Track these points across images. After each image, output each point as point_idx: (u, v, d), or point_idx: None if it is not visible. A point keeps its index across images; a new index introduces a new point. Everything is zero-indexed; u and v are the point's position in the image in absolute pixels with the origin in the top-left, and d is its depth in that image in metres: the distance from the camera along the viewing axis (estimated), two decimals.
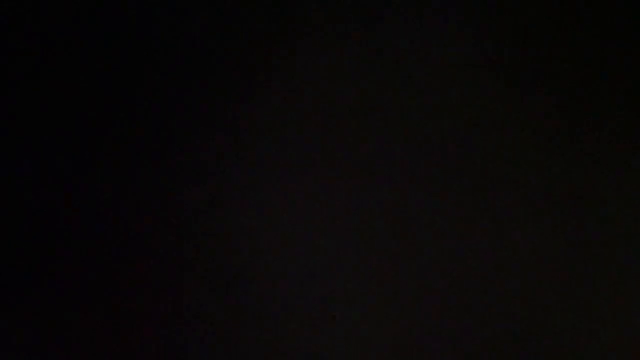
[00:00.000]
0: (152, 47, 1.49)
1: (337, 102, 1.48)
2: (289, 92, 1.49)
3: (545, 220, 1.46)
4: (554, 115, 1.48)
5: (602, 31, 1.48)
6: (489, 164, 1.47)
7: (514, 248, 1.46)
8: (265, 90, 1.49)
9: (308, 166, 1.48)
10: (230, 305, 1.47)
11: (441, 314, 1.46)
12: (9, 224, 1.47)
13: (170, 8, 1.49)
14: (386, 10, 1.49)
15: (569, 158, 1.47)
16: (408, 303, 1.46)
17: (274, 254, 1.47)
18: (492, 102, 1.48)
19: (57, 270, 1.47)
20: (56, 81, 1.49)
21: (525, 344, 1.45)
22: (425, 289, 1.46)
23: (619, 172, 1.47)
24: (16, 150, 1.48)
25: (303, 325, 1.46)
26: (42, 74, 1.49)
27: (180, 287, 1.47)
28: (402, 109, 1.48)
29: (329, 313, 1.46)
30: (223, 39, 1.49)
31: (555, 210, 1.46)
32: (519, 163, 1.47)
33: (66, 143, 1.48)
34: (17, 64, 1.49)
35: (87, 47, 1.49)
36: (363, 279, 1.47)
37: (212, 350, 1.46)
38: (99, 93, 1.49)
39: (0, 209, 1.48)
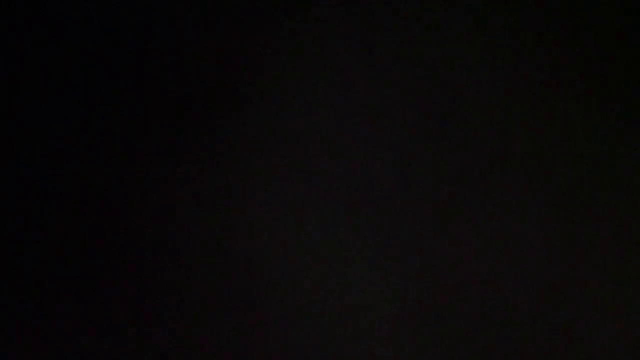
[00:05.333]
0: (153, 46, 1.49)
1: (339, 101, 1.49)
2: (290, 91, 1.49)
3: (548, 221, 1.46)
4: (554, 114, 1.48)
5: (605, 32, 1.48)
6: (491, 165, 1.47)
7: (516, 248, 1.46)
8: (267, 90, 1.49)
9: (311, 166, 1.48)
10: (231, 305, 1.47)
11: (443, 315, 1.46)
12: (9, 224, 1.48)
13: (170, 8, 1.50)
14: (388, 9, 1.49)
15: (570, 158, 1.47)
16: (410, 303, 1.46)
17: (276, 255, 1.47)
18: (492, 102, 1.48)
19: (56, 270, 1.47)
20: (55, 81, 1.49)
21: (528, 344, 1.45)
22: (427, 290, 1.46)
23: (619, 171, 1.47)
24: (17, 150, 1.48)
25: (304, 325, 1.46)
26: (41, 73, 1.49)
27: (181, 289, 1.47)
28: (404, 108, 1.48)
29: (330, 314, 1.46)
30: (225, 38, 1.49)
31: (556, 211, 1.47)
32: (520, 164, 1.47)
33: (66, 143, 1.48)
34: (16, 64, 1.49)
35: (87, 46, 1.49)
36: (365, 279, 1.47)
37: (213, 351, 1.46)
38: (99, 93, 1.49)
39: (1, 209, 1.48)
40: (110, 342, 1.46)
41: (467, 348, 1.46)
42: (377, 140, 1.48)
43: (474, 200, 1.47)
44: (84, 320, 1.46)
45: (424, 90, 1.48)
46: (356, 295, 1.46)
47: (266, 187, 1.48)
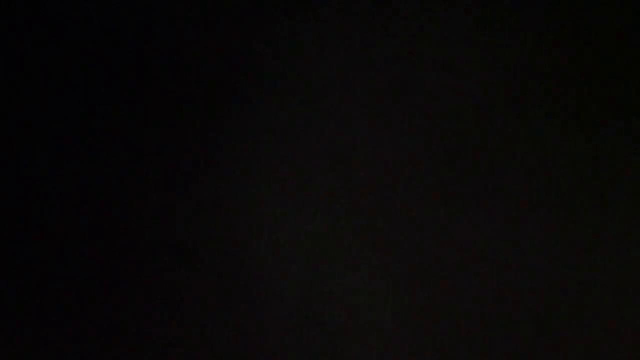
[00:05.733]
0: (153, 46, 1.49)
1: (339, 101, 1.49)
2: (290, 91, 1.49)
3: (549, 220, 1.46)
4: (556, 113, 1.48)
5: (604, 31, 1.48)
6: (492, 164, 1.47)
7: (516, 247, 1.46)
8: (267, 90, 1.49)
9: (311, 167, 1.48)
10: (231, 306, 1.47)
11: (444, 315, 1.46)
12: (9, 224, 1.48)
13: (170, 8, 1.50)
14: (388, 10, 1.49)
15: (571, 157, 1.47)
16: (410, 304, 1.46)
17: (276, 256, 1.47)
18: (494, 101, 1.48)
19: (55, 270, 1.47)
20: (55, 81, 1.49)
21: (529, 345, 1.45)
22: (427, 290, 1.46)
23: (620, 171, 1.47)
24: (17, 150, 1.48)
25: (304, 326, 1.46)
26: (41, 73, 1.49)
27: (181, 289, 1.47)
28: (405, 108, 1.48)
29: (330, 314, 1.46)
30: (225, 38, 1.49)
31: (558, 210, 1.47)
32: (521, 163, 1.47)
33: (65, 143, 1.48)
34: (16, 64, 1.49)
35: (87, 46, 1.49)
36: (365, 279, 1.47)
37: (212, 351, 1.47)
38: (99, 93, 1.49)
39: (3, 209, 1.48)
40: (108, 342, 1.46)
41: (467, 348, 1.46)
42: (377, 140, 1.48)
43: (474, 200, 1.47)
44: (83, 320, 1.46)
45: (425, 90, 1.48)
46: (356, 295, 1.46)
47: (266, 187, 1.48)
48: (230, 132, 1.48)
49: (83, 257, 1.47)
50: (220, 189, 1.48)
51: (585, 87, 1.48)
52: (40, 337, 1.47)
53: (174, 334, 1.46)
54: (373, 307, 1.46)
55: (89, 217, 1.47)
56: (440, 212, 1.47)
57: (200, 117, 1.48)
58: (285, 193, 1.48)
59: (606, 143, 1.47)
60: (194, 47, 1.49)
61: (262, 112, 1.48)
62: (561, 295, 1.45)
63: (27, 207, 1.48)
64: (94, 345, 1.46)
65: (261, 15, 1.49)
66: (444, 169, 1.47)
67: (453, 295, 1.46)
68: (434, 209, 1.47)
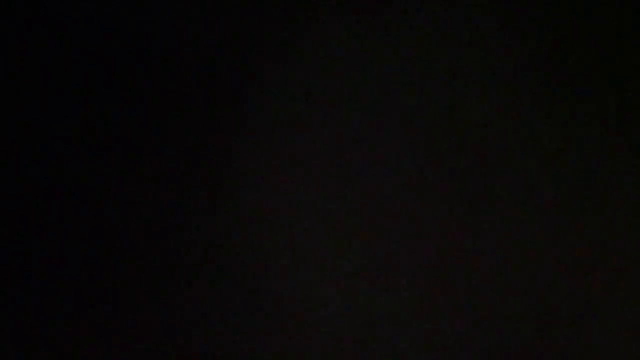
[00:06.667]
0: (153, 46, 1.49)
1: (340, 100, 1.48)
2: (291, 90, 1.49)
3: (551, 220, 1.46)
4: (559, 113, 1.48)
5: (603, 30, 1.48)
6: (494, 163, 1.47)
7: (519, 248, 1.46)
8: (267, 89, 1.49)
9: (311, 166, 1.48)
10: (231, 305, 1.47)
11: (444, 314, 1.46)
12: (8, 223, 1.47)
13: (170, 8, 1.50)
14: (389, 8, 1.49)
15: (573, 157, 1.47)
16: (410, 302, 1.46)
17: (277, 255, 1.47)
18: (496, 101, 1.48)
19: (56, 271, 1.47)
20: (55, 81, 1.49)
21: (530, 345, 1.45)
22: (427, 288, 1.46)
23: (620, 171, 1.47)
24: (17, 150, 1.48)
25: (306, 328, 1.46)
26: (41, 73, 1.49)
27: (183, 290, 1.47)
28: (406, 108, 1.48)
29: (331, 313, 1.46)
30: (224, 37, 1.49)
31: (560, 211, 1.47)
32: (523, 163, 1.47)
33: (65, 144, 1.48)
34: (16, 64, 1.49)
35: (88, 45, 1.49)
36: (365, 279, 1.47)
37: (212, 351, 1.46)
38: (98, 93, 1.49)
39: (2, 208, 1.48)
40: (108, 342, 1.46)
41: (468, 348, 1.46)
42: (377, 140, 1.48)
43: (475, 200, 1.47)
44: (82, 320, 1.46)
45: (425, 90, 1.48)
46: (356, 296, 1.46)
47: (266, 186, 1.48)
48: (230, 132, 1.48)
49: (82, 257, 1.47)
50: (220, 188, 1.48)
51: (584, 87, 1.48)
52: (40, 337, 1.46)
53: (174, 334, 1.46)
54: (373, 307, 1.46)
55: (89, 218, 1.47)
56: (441, 213, 1.47)
57: (200, 117, 1.48)
58: (285, 193, 1.48)
59: (606, 143, 1.47)
60: (194, 47, 1.49)
61: (262, 112, 1.48)
62: (561, 295, 1.45)
63: (27, 207, 1.47)
64: (93, 346, 1.46)
65: (261, 15, 1.49)
66: (444, 169, 1.47)
67: (454, 296, 1.46)
68: (435, 209, 1.47)
